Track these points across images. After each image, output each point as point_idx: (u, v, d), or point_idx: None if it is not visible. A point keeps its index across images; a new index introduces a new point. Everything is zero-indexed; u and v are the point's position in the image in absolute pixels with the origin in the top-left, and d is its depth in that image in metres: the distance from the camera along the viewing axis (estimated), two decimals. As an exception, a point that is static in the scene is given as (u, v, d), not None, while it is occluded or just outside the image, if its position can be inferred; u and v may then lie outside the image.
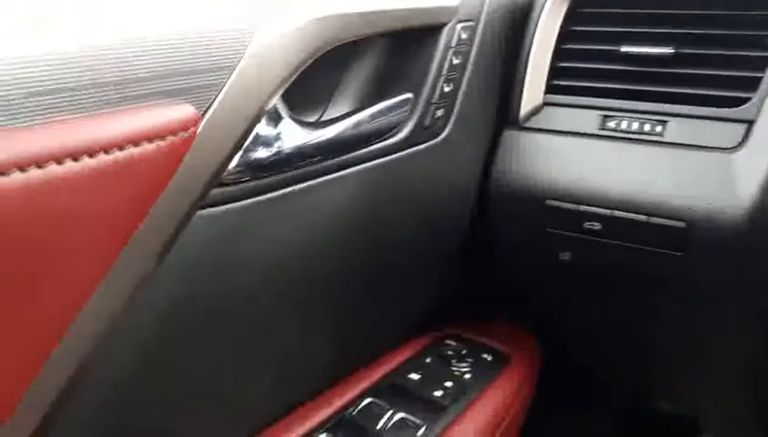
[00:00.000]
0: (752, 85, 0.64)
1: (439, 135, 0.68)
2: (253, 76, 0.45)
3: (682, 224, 0.65)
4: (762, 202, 0.62)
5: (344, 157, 0.58)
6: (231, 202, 0.50)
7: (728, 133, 0.65)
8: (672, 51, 0.68)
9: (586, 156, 0.71)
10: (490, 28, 0.72)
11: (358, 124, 0.59)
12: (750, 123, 0.64)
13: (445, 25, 0.66)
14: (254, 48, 0.45)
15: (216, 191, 0.48)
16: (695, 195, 0.64)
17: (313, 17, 0.49)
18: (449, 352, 0.79)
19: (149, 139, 0.37)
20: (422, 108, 0.65)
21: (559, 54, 0.75)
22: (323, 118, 0.61)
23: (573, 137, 0.72)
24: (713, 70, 0.66)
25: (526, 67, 0.75)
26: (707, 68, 0.67)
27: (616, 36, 0.72)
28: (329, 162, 0.57)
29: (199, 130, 0.41)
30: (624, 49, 0.70)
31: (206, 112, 0.42)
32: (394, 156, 0.64)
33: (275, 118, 0.52)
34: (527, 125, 0.75)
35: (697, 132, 0.66)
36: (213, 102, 0.42)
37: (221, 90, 0.43)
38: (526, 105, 0.75)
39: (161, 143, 0.38)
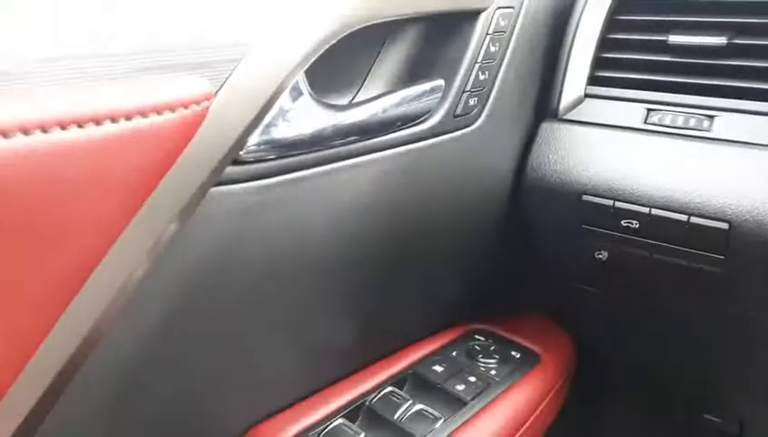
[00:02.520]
0: (811, 79, 0.60)
1: (471, 124, 0.67)
2: (272, 52, 0.44)
3: (725, 225, 0.61)
4: (814, 205, 0.57)
5: (370, 141, 0.57)
6: (251, 180, 0.50)
7: (780, 130, 0.61)
8: (725, 41, 0.64)
9: (627, 151, 0.68)
10: (531, 15, 0.69)
11: (385, 108, 0.58)
12: (806, 120, 0.60)
13: (483, 10, 0.64)
14: (276, 24, 0.45)
15: (234, 169, 0.48)
16: (740, 194, 0.61)
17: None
18: (477, 347, 0.78)
19: (158, 112, 0.37)
20: (454, 96, 0.64)
21: (603, 44, 0.71)
22: (354, 101, 0.60)
23: (615, 131, 0.69)
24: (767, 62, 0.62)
25: (569, 57, 0.72)
26: (762, 60, 0.63)
27: (664, 26, 0.68)
28: (355, 146, 0.56)
29: (212, 106, 0.41)
30: (673, 39, 0.67)
31: (220, 88, 0.42)
32: (422, 143, 0.62)
33: (299, 98, 0.51)
34: (567, 117, 0.72)
35: (747, 128, 0.62)
36: (228, 78, 0.42)
37: (237, 66, 0.43)
38: (567, 96, 0.73)
39: (172, 115, 0.38)
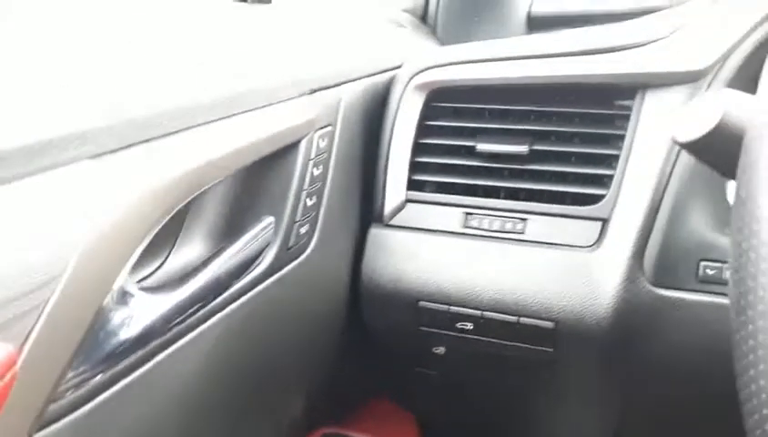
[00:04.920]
0: (605, 182, 0.67)
1: (304, 251, 0.64)
2: (81, 282, 0.38)
3: (550, 324, 0.66)
4: (622, 300, 0.64)
5: (206, 308, 0.52)
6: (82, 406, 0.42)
7: (585, 231, 0.67)
8: (527, 148, 0.69)
9: (452, 255, 0.70)
10: (348, 129, 0.69)
11: (216, 270, 0.53)
12: (604, 221, 0.66)
13: (304, 137, 0.62)
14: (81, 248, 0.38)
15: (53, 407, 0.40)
16: (560, 294, 0.66)
17: (151, 187, 0.42)
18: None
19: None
20: (286, 229, 0.61)
21: (418, 149, 0.73)
22: (167, 268, 0.54)
23: (438, 236, 0.71)
24: (568, 167, 0.68)
25: (387, 163, 0.73)
26: (561, 165, 0.69)
27: (472, 132, 0.72)
28: (189, 321, 0.51)
29: (18, 367, 0.34)
30: (480, 146, 0.70)
31: (25, 341, 0.35)
32: (259, 287, 0.58)
33: (124, 298, 0.45)
34: (392, 223, 0.73)
35: (556, 230, 0.68)
36: (32, 330, 0.35)
37: (42, 313, 0.35)
38: (390, 202, 0.73)
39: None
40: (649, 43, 0.65)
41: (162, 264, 0.54)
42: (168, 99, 0.47)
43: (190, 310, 0.50)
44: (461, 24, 1.05)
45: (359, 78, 0.72)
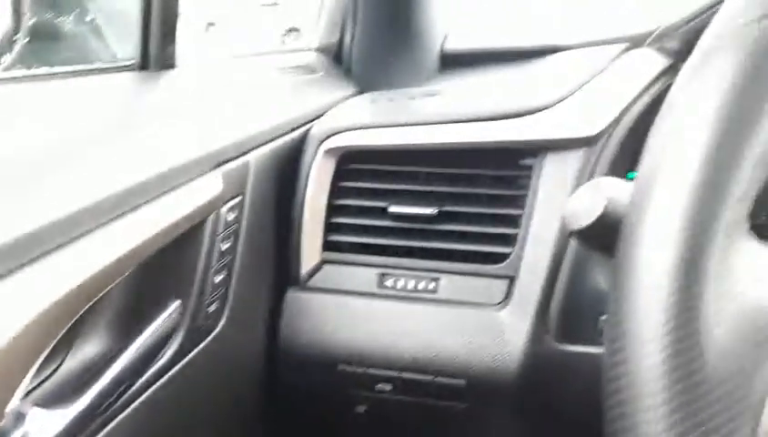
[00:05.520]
0: (510, 241, 0.69)
1: (213, 330, 0.63)
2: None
3: (462, 382, 0.68)
4: (529, 356, 0.66)
5: (105, 415, 0.51)
6: None
7: (494, 289, 0.69)
8: (437, 210, 0.70)
9: (369, 317, 0.71)
10: (258, 195, 0.68)
11: (116, 369, 0.52)
12: (511, 279, 0.68)
13: (210, 214, 0.61)
14: None
15: None
16: (471, 352, 0.68)
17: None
18: None
19: None
20: (192, 311, 0.60)
21: (333, 210, 0.74)
22: (64, 374, 0.52)
23: (354, 297, 0.72)
24: (475, 227, 0.70)
25: (301, 226, 0.73)
26: (470, 225, 0.70)
27: (385, 193, 0.73)
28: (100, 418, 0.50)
29: None
30: (392, 209, 0.71)
31: None
32: (165, 377, 0.57)
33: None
34: (309, 285, 0.73)
35: (467, 289, 0.70)
36: None
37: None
38: (306, 263, 0.73)
39: None
40: (546, 108, 0.68)
41: (58, 367, 0.52)
42: (58, 208, 0.45)
43: (92, 419, 0.49)
44: (376, 63, 1.06)
45: (268, 142, 0.71)
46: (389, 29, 1.03)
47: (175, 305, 0.59)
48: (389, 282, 0.72)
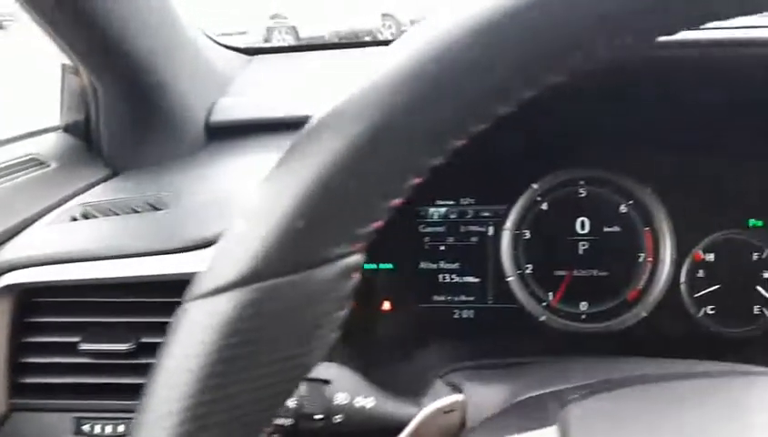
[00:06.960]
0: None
1: None
2: None
3: None
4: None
5: None
6: None
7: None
8: (134, 344, 0.64)
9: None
10: None
11: None
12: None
13: None
14: None
15: None
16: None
17: None
18: None
19: None
20: None
21: (19, 348, 0.65)
22: None
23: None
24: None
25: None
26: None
27: (78, 327, 0.65)
28: None
29: None
30: (83, 346, 0.64)
31: None
32: None
33: None
34: (-5, 438, 0.64)
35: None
36: None
37: None
38: (-10, 413, 0.64)
39: None
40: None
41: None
42: None
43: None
44: (131, 141, 0.98)
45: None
46: (138, 105, 0.95)
47: None
48: (86, 427, 0.64)
